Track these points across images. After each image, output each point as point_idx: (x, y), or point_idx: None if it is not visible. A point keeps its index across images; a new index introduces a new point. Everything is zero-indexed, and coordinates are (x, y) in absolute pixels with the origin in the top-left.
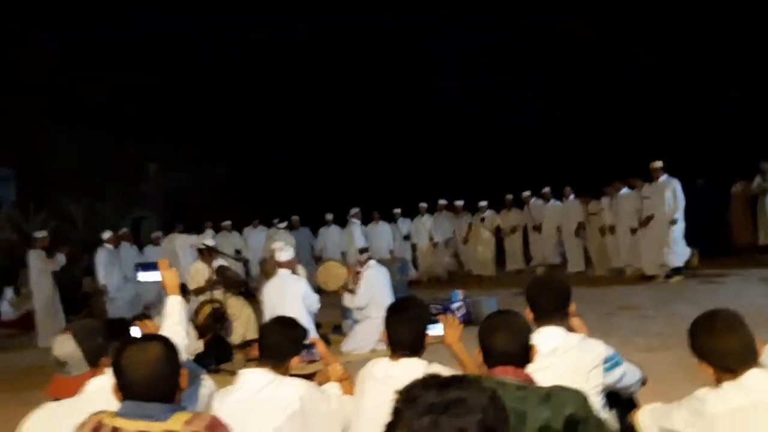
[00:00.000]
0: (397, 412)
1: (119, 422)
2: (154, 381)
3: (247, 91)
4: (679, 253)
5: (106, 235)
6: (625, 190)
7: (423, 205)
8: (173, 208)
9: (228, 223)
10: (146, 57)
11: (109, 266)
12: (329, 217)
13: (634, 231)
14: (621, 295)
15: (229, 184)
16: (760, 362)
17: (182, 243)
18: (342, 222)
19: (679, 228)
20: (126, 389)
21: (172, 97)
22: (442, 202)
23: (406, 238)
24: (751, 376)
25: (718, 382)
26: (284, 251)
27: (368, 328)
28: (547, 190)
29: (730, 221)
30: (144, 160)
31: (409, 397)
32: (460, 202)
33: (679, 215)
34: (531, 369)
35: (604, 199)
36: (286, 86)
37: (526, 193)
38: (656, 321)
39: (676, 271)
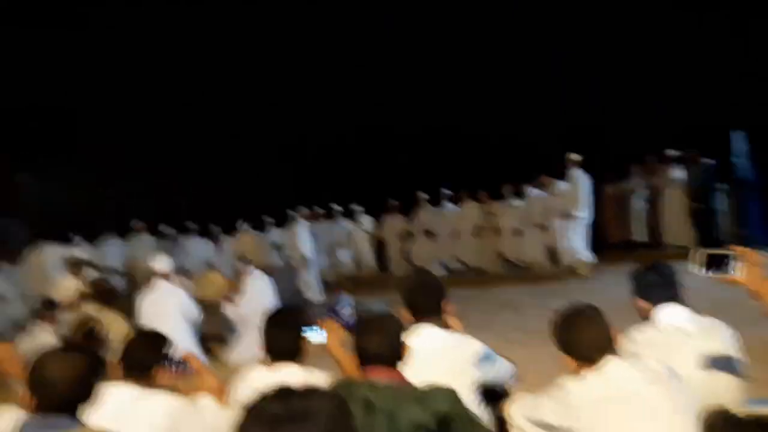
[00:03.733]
0: (241, 426)
1: None
2: (76, 391)
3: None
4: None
5: None
6: (535, 191)
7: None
8: (47, 219)
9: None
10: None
11: None
12: (192, 226)
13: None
14: (501, 294)
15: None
16: (618, 351)
17: (52, 255)
18: (206, 233)
19: (582, 227)
20: (45, 398)
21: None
22: (318, 209)
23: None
24: (609, 365)
25: (579, 372)
26: (160, 260)
27: (253, 338)
28: (447, 192)
29: (603, 220)
30: (15, 170)
31: (253, 410)
32: (338, 208)
33: (582, 213)
34: (406, 368)
35: (510, 201)
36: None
37: (424, 196)
38: (533, 318)
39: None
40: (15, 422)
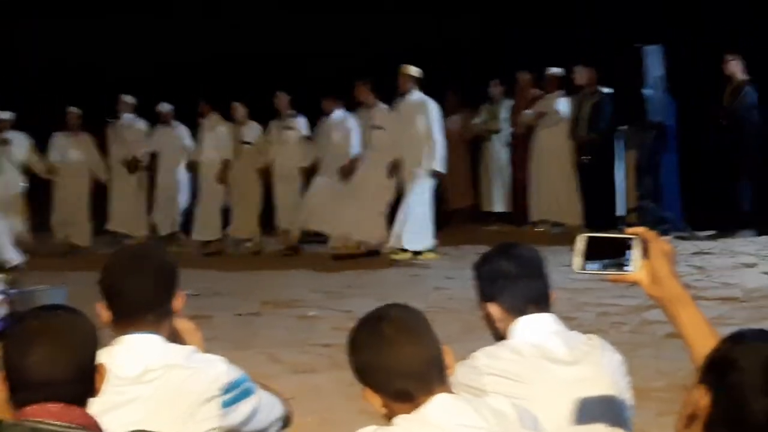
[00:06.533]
0: None
1: None
2: None
3: None
4: (421, 233)
5: None
6: (338, 113)
7: None
8: None
9: None
10: None
11: None
12: None
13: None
14: (276, 285)
15: None
16: (451, 383)
17: None
18: None
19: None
20: None
21: None
22: None
23: None
24: (437, 404)
25: (389, 417)
26: None
27: None
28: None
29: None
30: None
31: None
32: None
33: (441, 165)
34: (100, 406)
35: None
36: None
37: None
38: (322, 325)
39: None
40: None
